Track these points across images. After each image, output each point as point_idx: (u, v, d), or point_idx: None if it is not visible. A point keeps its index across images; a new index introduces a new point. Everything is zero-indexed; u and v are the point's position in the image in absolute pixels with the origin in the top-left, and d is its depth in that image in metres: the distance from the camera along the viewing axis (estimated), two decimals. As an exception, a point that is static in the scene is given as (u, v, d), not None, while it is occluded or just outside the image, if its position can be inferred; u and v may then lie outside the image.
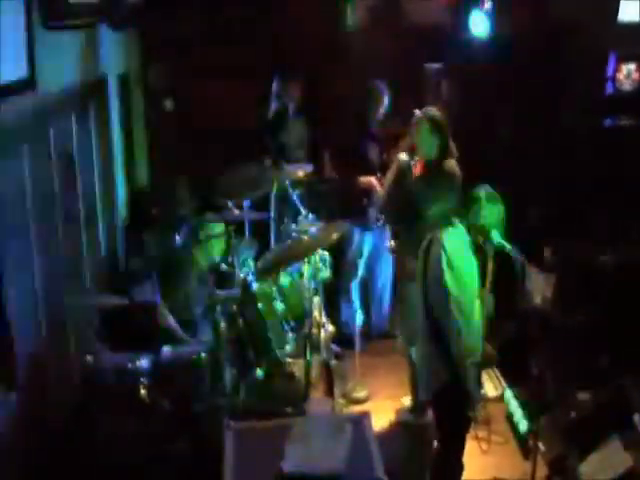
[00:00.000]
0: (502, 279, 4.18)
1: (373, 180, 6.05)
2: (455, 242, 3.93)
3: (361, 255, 6.27)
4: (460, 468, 4.24)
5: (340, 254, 6.12)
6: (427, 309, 3.99)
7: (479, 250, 3.95)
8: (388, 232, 6.16)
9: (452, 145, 5.00)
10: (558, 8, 7.27)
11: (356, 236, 6.21)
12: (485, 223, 3.90)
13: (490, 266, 3.95)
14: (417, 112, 5.35)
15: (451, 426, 4.13)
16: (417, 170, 5.12)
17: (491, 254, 3.94)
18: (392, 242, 5.78)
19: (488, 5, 7.00)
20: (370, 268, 6.43)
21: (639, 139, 7.57)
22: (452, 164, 4.95)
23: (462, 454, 4.20)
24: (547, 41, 7.35)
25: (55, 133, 4.50)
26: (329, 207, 6.28)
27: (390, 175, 5.36)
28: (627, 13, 7.61)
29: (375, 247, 6.33)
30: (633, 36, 7.64)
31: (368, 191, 6.07)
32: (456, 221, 3.99)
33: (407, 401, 5.45)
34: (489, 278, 3.96)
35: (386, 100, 6.16)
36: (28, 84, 3.81)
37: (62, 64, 4.74)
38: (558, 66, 7.39)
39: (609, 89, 7.87)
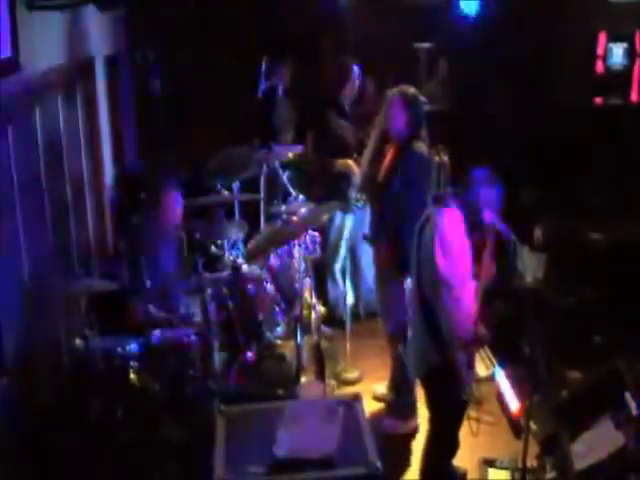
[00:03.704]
0: (494, 259, 4.16)
1: (350, 162, 5.99)
2: (449, 223, 3.90)
3: (342, 237, 6.24)
4: (454, 448, 4.23)
5: (322, 236, 6.07)
6: (419, 290, 3.97)
7: (475, 229, 3.92)
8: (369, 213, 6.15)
9: (423, 130, 4.88)
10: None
11: (337, 218, 6.15)
12: (478, 201, 3.86)
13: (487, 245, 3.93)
14: (393, 90, 5.28)
15: (444, 408, 4.12)
16: (388, 156, 4.98)
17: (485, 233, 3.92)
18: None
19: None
20: (353, 249, 6.39)
21: (628, 118, 7.58)
22: (421, 147, 4.83)
23: (457, 436, 4.19)
24: (537, 21, 7.32)
25: (41, 114, 4.44)
26: (313, 188, 6.22)
27: (367, 153, 5.30)
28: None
29: (357, 228, 6.28)
30: (623, 16, 7.63)
31: (346, 173, 6.01)
32: (450, 201, 3.96)
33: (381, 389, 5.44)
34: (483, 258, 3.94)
35: (357, 81, 6.08)
36: (12, 65, 3.76)
37: (48, 45, 4.68)
38: (549, 46, 7.37)
39: (599, 68, 7.87)
